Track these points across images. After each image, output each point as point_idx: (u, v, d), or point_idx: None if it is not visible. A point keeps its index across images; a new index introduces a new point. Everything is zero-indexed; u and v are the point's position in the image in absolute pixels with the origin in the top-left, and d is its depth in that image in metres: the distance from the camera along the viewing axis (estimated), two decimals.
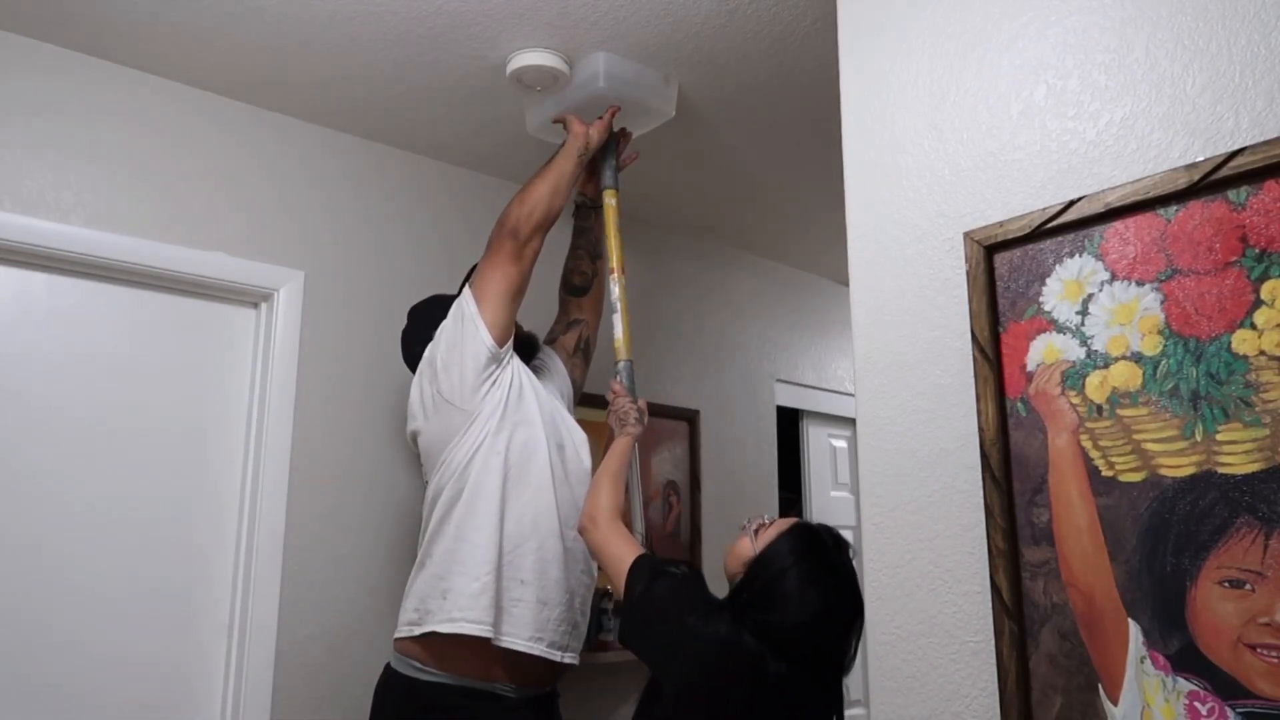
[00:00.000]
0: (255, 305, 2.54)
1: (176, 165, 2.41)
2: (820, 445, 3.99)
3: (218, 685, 2.35)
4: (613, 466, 2.04)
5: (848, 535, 1.72)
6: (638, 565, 1.74)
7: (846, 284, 1.67)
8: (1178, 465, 1.22)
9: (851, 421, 3.77)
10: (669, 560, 1.87)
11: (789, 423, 3.91)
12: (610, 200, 2.40)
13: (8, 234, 2.14)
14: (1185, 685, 1.18)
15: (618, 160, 2.44)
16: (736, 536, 1.77)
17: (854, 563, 1.70)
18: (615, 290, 2.31)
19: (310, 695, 2.41)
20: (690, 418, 3.38)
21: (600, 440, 2.27)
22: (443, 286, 2.83)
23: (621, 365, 2.26)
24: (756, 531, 1.72)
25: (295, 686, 2.39)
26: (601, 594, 2.91)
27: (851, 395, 3.44)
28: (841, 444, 4.05)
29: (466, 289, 2.20)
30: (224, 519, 2.43)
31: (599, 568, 2.01)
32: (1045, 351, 1.36)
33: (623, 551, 1.80)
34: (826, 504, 3.92)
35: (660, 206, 3.27)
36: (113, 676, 2.21)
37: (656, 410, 3.26)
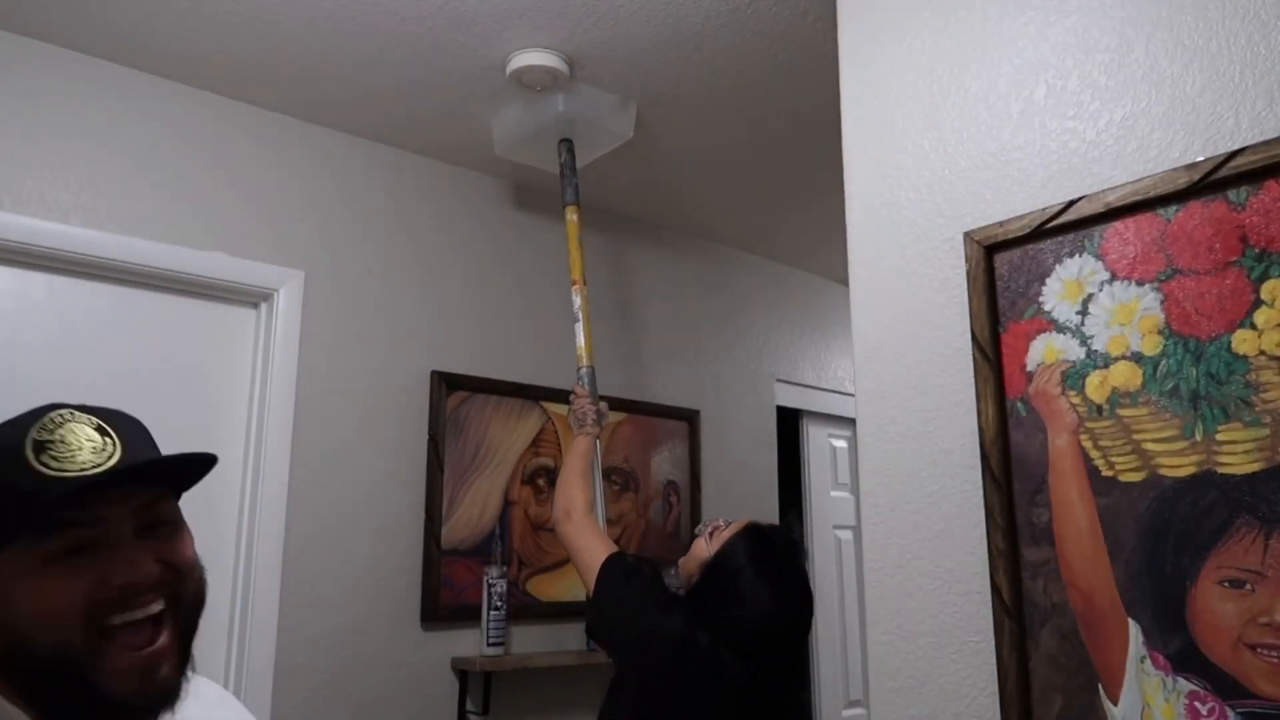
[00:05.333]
0: (255, 305, 2.54)
1: (176, 165, 2.41)
2: (820, 445, 3.98)
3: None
4: (577, 465, 2.15)
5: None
6: (610, 565, 1.79)
7: (846, 284, 1.67)
8: (1178, 465, 1.22)
9: (851, 421, 3.77)
10: (636, 557, 1.92)
11: (789, 423, 3.91)
12: (571, 216, 2.45)
13: (8, 234, 2.14)
14: (1185, 685, 1.18)
15: (577, 176, 2.49)
16: (693, 540, 1.83)
17: (806, 567, 1.79)
18: (577, 300, 2.41)
19: (310, 695, 2.41)
20: (690, 418, 3.38)
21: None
22: (443, 286, 2.84)
23: (583, 370, 2.37)
24: (712, 535, 1.77)
25: (295, 686, 2.38)
26: None
27: (851, 395, 3.44)
28: (841, 444, 4.04)
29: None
30: (224, 519, 2.42)
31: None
32: (1045, 351, 1.36)
33: (595, 547, 1.86)
34: (826, 504, 3.92)
35: (660, 206, 3.27)
36: None
37: (657, 410, 3.27)
